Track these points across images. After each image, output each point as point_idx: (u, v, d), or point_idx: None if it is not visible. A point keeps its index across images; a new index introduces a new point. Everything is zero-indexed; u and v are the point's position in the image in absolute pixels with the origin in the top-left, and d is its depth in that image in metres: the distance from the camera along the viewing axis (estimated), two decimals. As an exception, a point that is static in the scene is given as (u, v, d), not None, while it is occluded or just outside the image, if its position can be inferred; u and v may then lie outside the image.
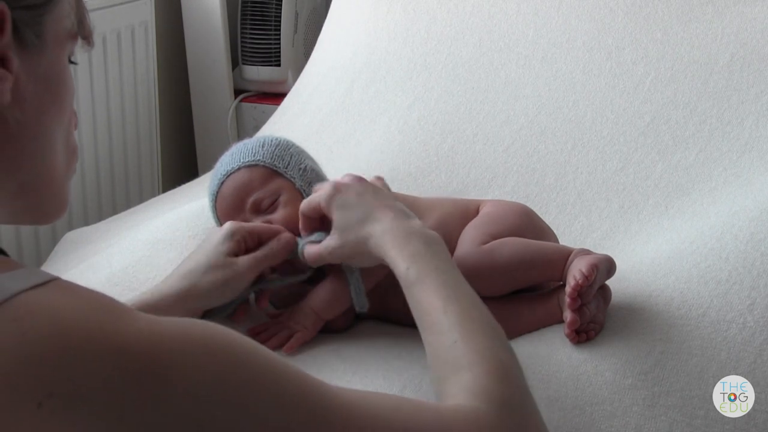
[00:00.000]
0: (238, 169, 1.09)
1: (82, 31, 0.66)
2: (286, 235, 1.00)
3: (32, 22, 0.59)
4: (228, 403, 0.57)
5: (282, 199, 1.07)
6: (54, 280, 0.56)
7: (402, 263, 0.86)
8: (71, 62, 0.66)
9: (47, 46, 0.61)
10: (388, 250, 0.88)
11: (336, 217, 0.94)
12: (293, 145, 1.14)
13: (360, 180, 0.97)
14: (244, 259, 0.98)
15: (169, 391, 0.54)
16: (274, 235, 1.00)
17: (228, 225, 1.00)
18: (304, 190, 1.08)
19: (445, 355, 0.75)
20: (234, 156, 1.10)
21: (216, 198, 1.10)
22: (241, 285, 0.98)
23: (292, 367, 0.62)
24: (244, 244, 0.99)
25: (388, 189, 1.01)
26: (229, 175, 1.09)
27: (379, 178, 1.03)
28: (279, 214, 1.06)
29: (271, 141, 1.12)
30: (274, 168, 1.09)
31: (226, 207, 1.09)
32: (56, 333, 0.52)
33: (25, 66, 0.59)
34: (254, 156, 1.09)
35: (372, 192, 0.95)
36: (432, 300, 0.81)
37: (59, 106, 0.64)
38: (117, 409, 0.52)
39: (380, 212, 0.91)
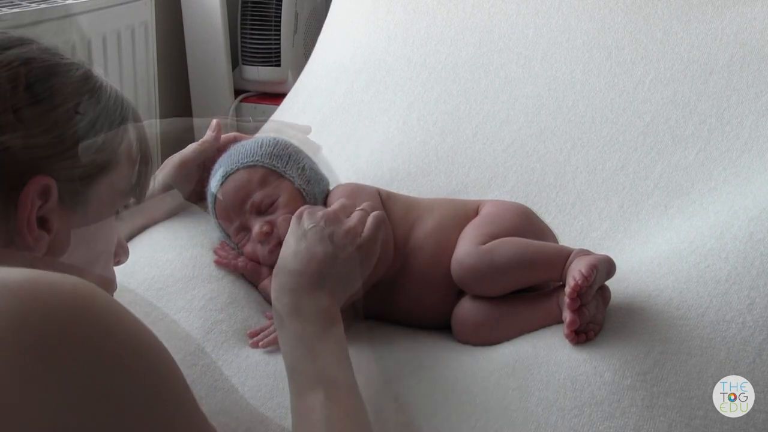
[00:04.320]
0: (237, 170, 1.09)
1: (138, 191, 0.67)
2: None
3: (79, 191, 0.60)
4: (129, 402, 0.54)
5: (282, 199, 1.07)
6: None
7: (289, 342, 0.83)
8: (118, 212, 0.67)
9: (91, 206, 0.62)
10: (285, 316, 0.85)
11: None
12: (291, 144, 1.14)
13: (323, 227, 0.91)
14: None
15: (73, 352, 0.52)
16: None
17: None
18: (304, 189, 1.08)
19: None
20: (232, 157, 1.10)
21: (215, 199, 1.10)
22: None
23: (199, 410, 0.61)
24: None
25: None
26: (228, 176, 1.09)
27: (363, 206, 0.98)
28: (279, 215, 1.06)
29: (269, 141, 1.12)
30: (273, 168, 1.09)
31: (225, 208, 1.09)
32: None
33: (64, 222, 0.60)
34: (252, 157, 1.09)
35: (314, 242, 0.90)
36: (313, 399, 0.78)
37: (92, 253, 0.65)
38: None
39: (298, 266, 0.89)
